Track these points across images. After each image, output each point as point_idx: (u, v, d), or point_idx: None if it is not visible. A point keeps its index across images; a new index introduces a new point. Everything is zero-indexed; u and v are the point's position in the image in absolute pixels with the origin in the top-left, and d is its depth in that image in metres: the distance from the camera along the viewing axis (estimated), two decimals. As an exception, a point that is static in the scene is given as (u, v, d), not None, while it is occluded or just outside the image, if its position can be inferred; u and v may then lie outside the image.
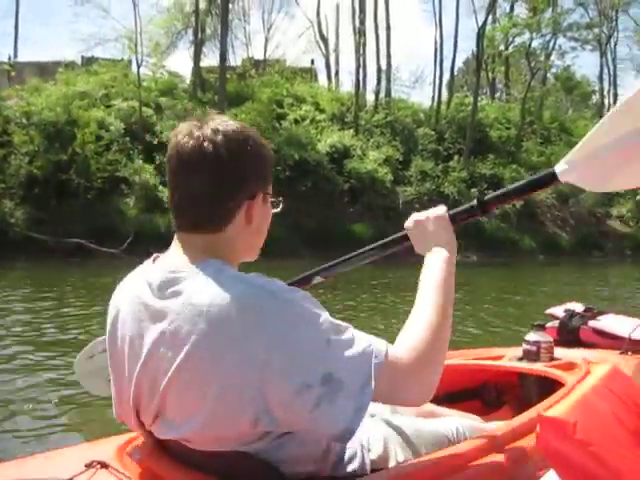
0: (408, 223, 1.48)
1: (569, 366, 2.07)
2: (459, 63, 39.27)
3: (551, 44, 30.89)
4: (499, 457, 1.33)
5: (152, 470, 1.20)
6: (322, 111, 25.65)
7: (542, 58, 31.28)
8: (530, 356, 2.22)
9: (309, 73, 32.43)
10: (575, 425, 1.13)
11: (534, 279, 14.49)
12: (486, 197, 1.59)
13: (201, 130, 1.14)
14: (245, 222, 1.18)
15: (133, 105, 20.90)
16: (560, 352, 2.28)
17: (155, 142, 19.33)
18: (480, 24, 28.10)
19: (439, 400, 1.79)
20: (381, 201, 21.90)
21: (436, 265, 1.34)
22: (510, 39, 31.01)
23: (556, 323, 2.73)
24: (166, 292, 1.10)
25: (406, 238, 1.53)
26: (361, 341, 1.09)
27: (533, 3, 28.07)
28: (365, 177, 21.91)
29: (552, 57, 31.67)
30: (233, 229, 1.17)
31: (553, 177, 1.52)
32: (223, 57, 24.82)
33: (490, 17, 30.08)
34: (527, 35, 30.12)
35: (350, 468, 1.24)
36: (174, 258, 1.16)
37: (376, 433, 1.37)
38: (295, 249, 17.55)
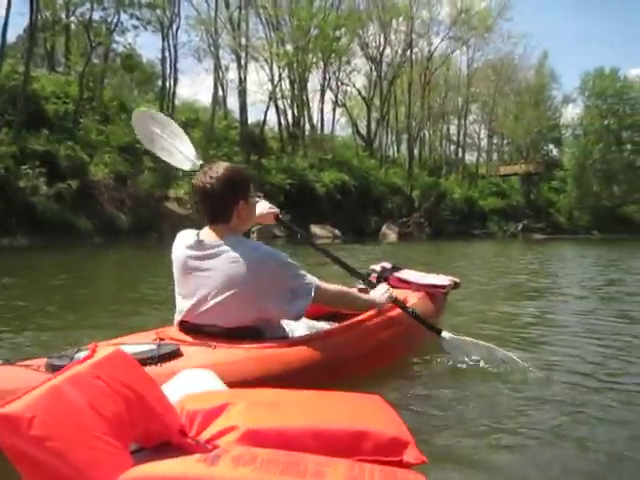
0: (383, 294, 3.09)
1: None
2: (19, 30, 35.88)
3: (114, 20, 30.39)
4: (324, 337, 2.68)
5: (194, 339, 2.38)
6: None
7: (104, 32, 30.49)
8: (363, 293, 3.36)
9: None
10: (32, 420, 1.08)
11: (94, 264, 13.33)
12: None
13: (205, 175, 2.47)
14: (239, 216, 2.50)
15: None
16: None
17: None
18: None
19: (317, 318, 3.11)
20: None
21: (375, 299, 3.00)
22: (72, 8, 29.65)
23: (375, 274, 4.02)
24: (210, 249, 2.43)
25: (366, 288, 3.29)
26: (309, 276, 2.54)
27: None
28: None
29: (114, 34, 31.19)
30: (235, 221, 2.50)
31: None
32: None
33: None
34: (88, 6, 29.14)
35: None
36: (209, 234, 2.49)
37: (298, 327, 2.78)
38: None
